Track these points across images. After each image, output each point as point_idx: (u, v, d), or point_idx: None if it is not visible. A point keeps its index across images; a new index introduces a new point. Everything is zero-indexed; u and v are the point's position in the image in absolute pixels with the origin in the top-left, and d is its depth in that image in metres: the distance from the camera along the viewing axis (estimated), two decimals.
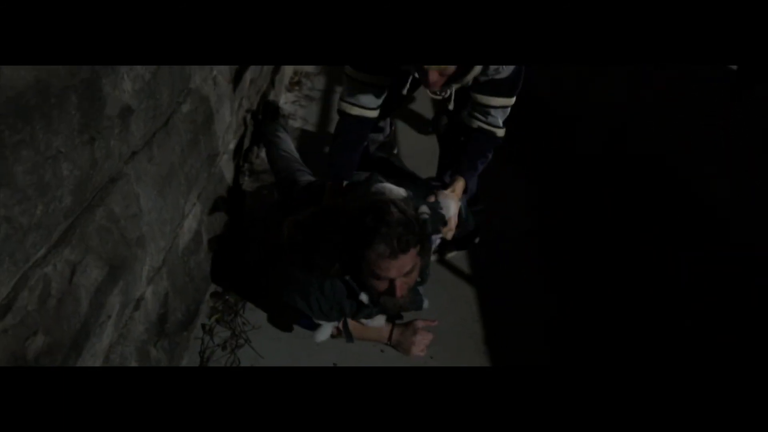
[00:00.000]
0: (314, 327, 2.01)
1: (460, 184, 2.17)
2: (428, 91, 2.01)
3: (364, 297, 1.82)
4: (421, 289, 2.04)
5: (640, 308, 2.41)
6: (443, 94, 2.01)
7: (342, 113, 2.18)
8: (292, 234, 1.79)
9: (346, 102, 2.16)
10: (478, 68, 1.94)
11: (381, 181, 1.96)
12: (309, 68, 4.48)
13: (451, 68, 1.86)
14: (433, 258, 2.56)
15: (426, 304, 2.06)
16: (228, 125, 2.55)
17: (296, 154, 2.78)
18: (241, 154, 2.87)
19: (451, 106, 2.09)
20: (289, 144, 2.84)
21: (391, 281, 1.70)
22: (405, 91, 2.18)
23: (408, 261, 1.67)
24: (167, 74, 1.78)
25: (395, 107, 2.57)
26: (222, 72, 2.43)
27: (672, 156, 2.79)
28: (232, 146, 2.65)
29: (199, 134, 2.12)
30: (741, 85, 2.36)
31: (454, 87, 2.00)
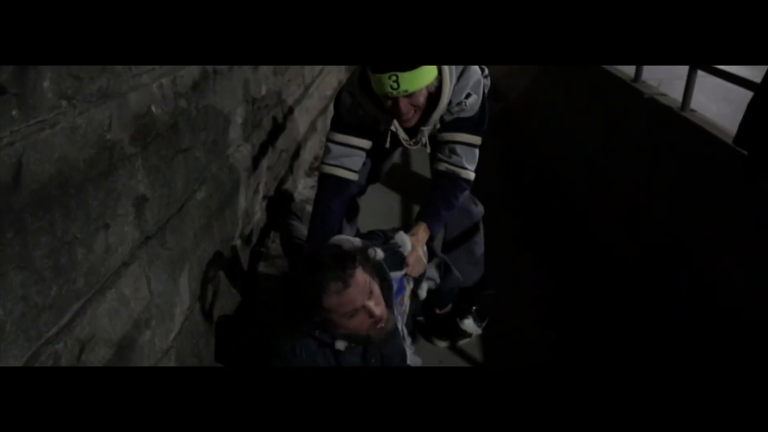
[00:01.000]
0: None
1: (420, 228, 2.24)
2: (405, 143, 2.22)
3: (340, 344, 1.85)
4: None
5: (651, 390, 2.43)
6: (419, 142, 2.21)
7: (323, 175, 2.35)
8: (269, 298, 1.90)
9: (327, 164, 2.34)
10: (444, 103, 2.12)
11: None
12: None
13: (420, 99, 2.05)
14: (444, 344, 2.65)
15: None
16: (243, 211, 2.73)
17: None
18: (256, 239, 3.03)
19: (427, 149, 2.26)
20: (302, 231, 3.00)
21: (365, 308, 1.76)
22: (388, 144, 2.32)
23: (361, 281, 1.74)
24: (182, 163, 1.97)
25: (380, 169, 2.71)
26: (238, 159, 2.63)
27: (686, 241, 2.87)
28: (247, 231, 2.82)
29: (212, 220, 2.29)
30: (751, 168, 2.45)
31: (426, 131, 2.17)
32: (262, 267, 3.09)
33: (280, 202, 3.38)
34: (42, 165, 1.23)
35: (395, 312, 1.94)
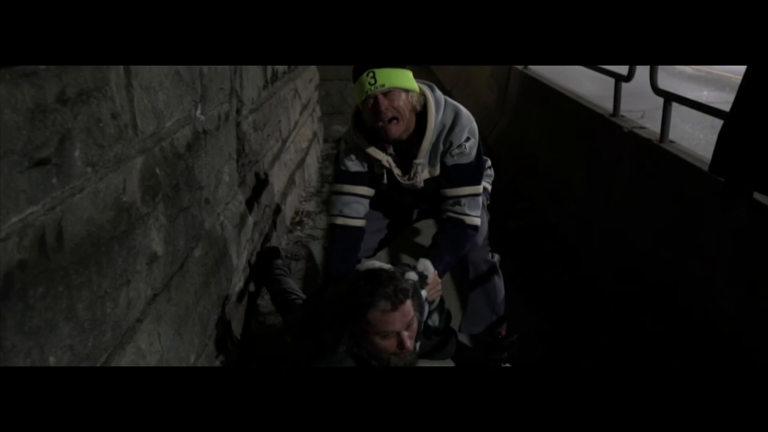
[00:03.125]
0: None
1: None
2: (399, 178, 2.50)
3: (374, 362, 2.08)
4: None
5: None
6: (413, 178, 2.49)
7: (331, 226, 2.67)
8: (296, 332, 2.13)
9: (331, 215, 2.66)
10: (431, 130, 2.40)
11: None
12: (310, 207, 4.98)
13: (400, 102, 2.30)
14: None
15: None
16: (235, 268, 2.97)
17: (299, 293, 3.16)
18: (247, 295, 3.26)
19: (420, 184, 2.53)
20: (292, 284, 3.23)
21: (398, 335, 2.00)
22: (385, 180, 2.60)
23: (407, 311, 2.01)
24: (183, 222, 2.21)
25: (394, 234, 2.99)
26: (228, 217, 2.88)
27: (674, 273, 3.14)
28: (238, 288, 3.05)
29: (209, 277, 2.53)
30: (728, 195, 2.71)
31: (419, 166, 2.46)
32: (254, 323, 3.31)
33: (267, 258, 3.62)
34: (76, 227, 1.48)
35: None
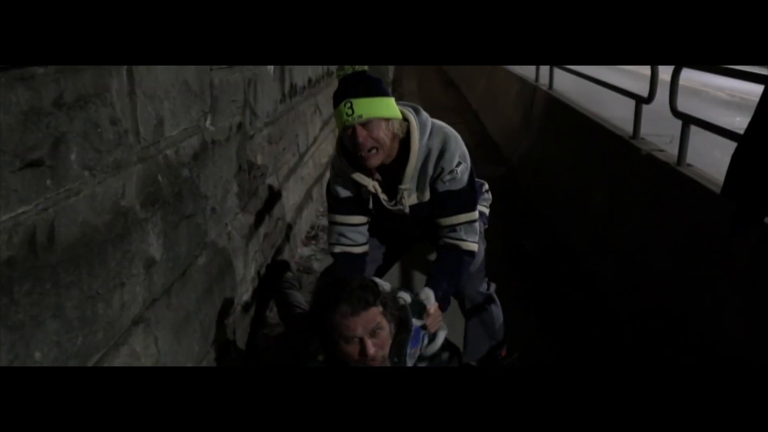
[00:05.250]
0: None
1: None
2: (385, 203, 2.51)
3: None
4: None
5: None
6: (398, 203, 2.50)
7: (332, 255, 2.69)
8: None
9: (331, 244, 2.67)
10: (414, 156, 2.39)
11: None
12: (326, 222, 5.02)
13: (380, 133, 2.29)
14: None
15: None
16: (242, 278, 3.02)
17: (305, 306, 3.20)
18: (255, 306, 3.31)
19: (406, 209, 2.53)
20: (299, 298, 3.27)
21: (361, 341, 2.00)
22: (371, 205, 2.60)
23: (371, 317, 2.01)
24: (185, 229, 2.27)
25: (395, 258, 3.01)
26: (236, 227, 2.94)
27: (687, 298, 3.13)
28: (245, 298, 3.10)
29: (213, 285, 2.58)
30: (740, 219, 2.70)
31: (405, 192, 2.46)
32: (261, 335, 3.36)
33: (277, 270, 3.67)
34: (70, 228, 1.53)
35: (407, 359, 2.21)
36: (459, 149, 2.44)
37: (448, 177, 2.43)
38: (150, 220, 1.98)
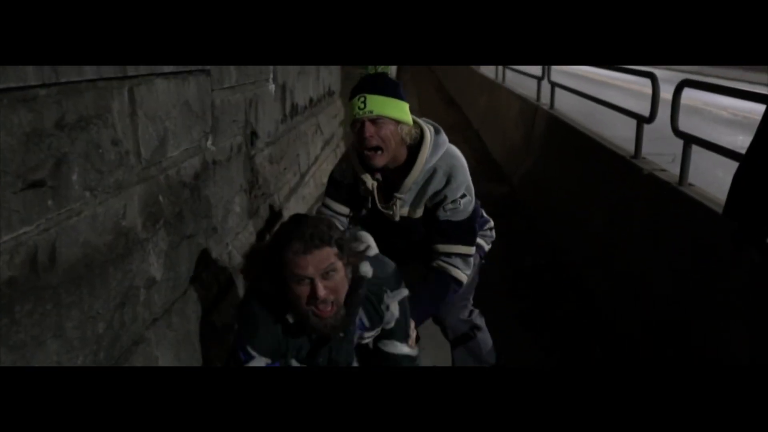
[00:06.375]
0: (247, 360, 2.11)
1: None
2: (380, 206, 2.50)
3: (289, 317, 2.03)
4: None
5: None
6: (390, 209, 2.48)
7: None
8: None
9: (323, 206, 2.68)
10: (419, 169, 2.39)
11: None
12: None
13: (387, 132, 2.30)
14: None
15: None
16: (242, 297, 3.02)
17: None
18: None
19: (396, 217, 2.51)
20: None
21: (312, 282, 1.91)
22: (369, 204, 2.60)
23: (323, 257, 1.90)
24: (186, 249, 2.29)
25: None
26: (237, 247, 2.95)
27: (689, 316, 3.13)
28: None
29: (213, 305, 2.59)
30: (741, 239, 2.71)
31: (400, 201, 2.46)
32: None
33: None
34: (71, 248, 1.55)
35: (357, 329, 2.16)
36: (466, 182, 2.45)
37: (450, 206, 2.43)
38: (151, 240, 1.99)
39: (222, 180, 2.76)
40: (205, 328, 2.49)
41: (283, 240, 1.93)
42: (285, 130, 4.24)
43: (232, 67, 2.87)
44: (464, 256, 2.51)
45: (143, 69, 1.94)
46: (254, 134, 3.36)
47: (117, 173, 1.79)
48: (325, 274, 1.91)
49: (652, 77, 4.20)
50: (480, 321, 2.90)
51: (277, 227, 2.13)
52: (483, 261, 2.86)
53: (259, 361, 2.06)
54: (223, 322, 2.72)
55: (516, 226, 5.49)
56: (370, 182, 2.48)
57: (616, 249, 4.10)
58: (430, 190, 2.43)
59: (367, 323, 2.18)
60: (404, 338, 2.29)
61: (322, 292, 1.90)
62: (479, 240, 2.70)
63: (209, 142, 2.59)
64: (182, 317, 2.26)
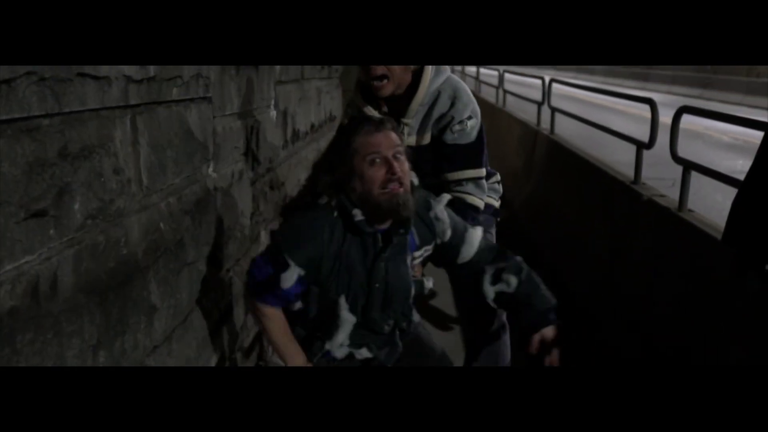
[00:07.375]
0: (282, 270, 2.12)
1: None
2: None
3: (357, 212, 2.03)
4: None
5: None
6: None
7: None
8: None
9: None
10: (422, 93, 2.45)
11: None
12: None
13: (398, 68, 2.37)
14: None
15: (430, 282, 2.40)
16: (242, 324, 3.03)
17: None
18: (256, 352, 3.31)
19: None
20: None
21: (386, 160, 1.97)
22: None
23: (393, 138, 1.99)
24: (187, 276, 2.29)
25: None
26: (238, 273, 2.96)
27: (689, 342, 3.14)
28: (246, 344, 3.11)
29: (213, 331, 2.59)
30: (739, 266, 2.72)
31: (405, 127, 2.50)
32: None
33: None
34: (72, 277, 1.56)
35: (408, 263, 2.20)
36: (471, 104, 2.52)
37: (457, 127, 2.48)
38: (152, 268, 2.00)
39: (223, 206, 2.77)
40: (206, 355, 2.49)
41: (350, 130, 2.00)
42: (286, 155, 4.26)
43: (233, 94, 2.90)
44: (476, 180, 2.56)
45: (146, 97, 1.96)
46: (256, 160, 3.38)
47: (118, 201, 1.80)
48: (396, 155, 1.97)
49: (651, 103, 4.24)
50: (505, 319, 2.92)
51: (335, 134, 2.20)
52: (498, 219, 2.90)
53: (293, 271, 2.09)
54: (224, 348, 2.72)
55: (517, 251, 5.48)
56: (375, 114, 2.53)
57: (616, 274, 4.11)
58: (436, 113, 2.50)
59: (417, 240, 2.20)
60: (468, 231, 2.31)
61: (398, 168, 1.96)
62: (488, 198, 2.72)
63: (210, 169, 2.61)
64: (183, 344, 2.27)
